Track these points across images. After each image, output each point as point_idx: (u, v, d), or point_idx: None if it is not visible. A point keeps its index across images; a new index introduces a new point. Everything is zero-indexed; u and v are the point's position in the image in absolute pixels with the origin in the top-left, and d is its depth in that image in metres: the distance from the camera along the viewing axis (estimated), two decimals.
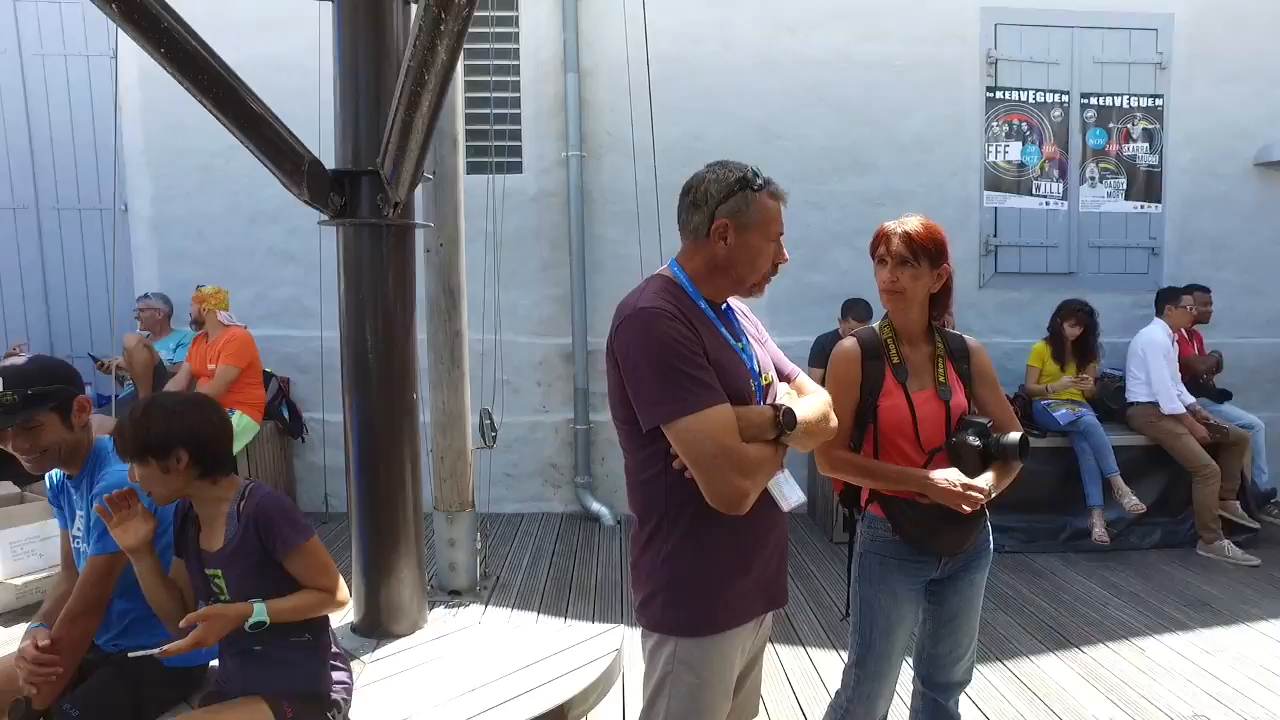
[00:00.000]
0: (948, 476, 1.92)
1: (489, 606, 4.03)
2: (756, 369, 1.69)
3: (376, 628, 2.65)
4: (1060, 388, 4.98)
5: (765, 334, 1.82)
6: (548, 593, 4.25)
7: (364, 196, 2.38)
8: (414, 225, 2.51)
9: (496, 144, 5.05)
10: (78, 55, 5.46)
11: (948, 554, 2.02)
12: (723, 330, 1.65)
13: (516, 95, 5.37)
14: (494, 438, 4.08)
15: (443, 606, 3.77)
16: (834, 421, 1.76)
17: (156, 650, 1.77)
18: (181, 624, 1.76)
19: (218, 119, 2.09)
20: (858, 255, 5.38)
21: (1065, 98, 5.65)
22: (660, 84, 5.25)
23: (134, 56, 5.50)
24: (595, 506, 5.45)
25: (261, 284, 5.55)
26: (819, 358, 5.04)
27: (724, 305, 1.72)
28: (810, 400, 1.72)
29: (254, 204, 5.52)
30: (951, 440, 1.98)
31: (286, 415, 5.42)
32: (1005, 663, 3.39)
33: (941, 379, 2.03)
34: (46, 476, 2.29)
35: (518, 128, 5.39)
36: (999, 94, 5.60)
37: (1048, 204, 5.70)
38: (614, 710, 3.04)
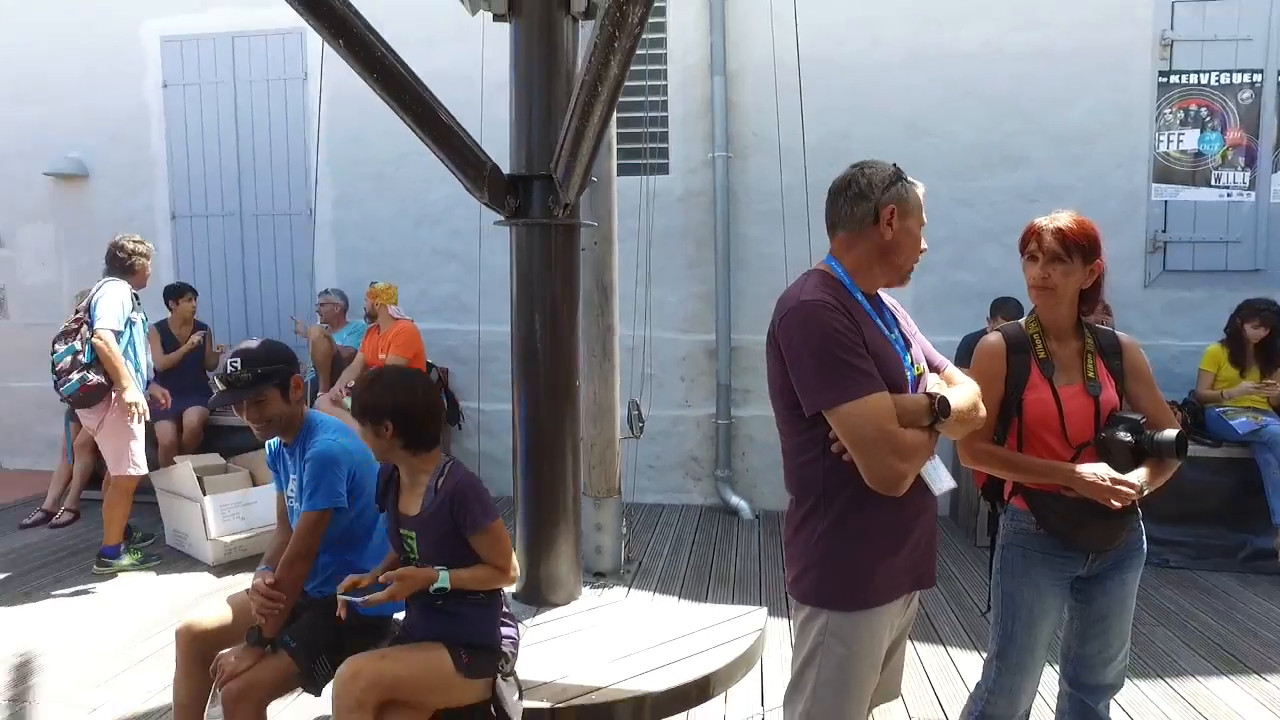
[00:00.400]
0: (1096, 470, 1.91)
1: (632, 589, 4.22)
2: (909, 360, 1.77)
3: (536, 596, 2.87)
4: (1239, 393, 4.62)
5: (914, 326, 1.89)
6: (688, 579, 4.40)
7: (535, 199, 2.60)
8: (580, 225, 2.71)
9: (641, 146, 5.25)
10: (277, 79, 6.12)
11: (1095, 550, 2.00)
12: (878, 321, 1.74)
13: (664, 99, 5.56)
14: (641, 428, 4.28)
15: (588, 587, 3.99)
16: (983, 411, 1.82)
17: (360, 600, 2.04)
18: (380, 579, 2.02)
19: (415, 132, 2.36)
20: (1008, 253, 5.20)
21: (1258, 77, 5.19)
22: (806, 84, 5.28)
23: (322, 79, 6.12)
24: (734, 500, 5.56)
25: (425, 281, 6.02)
26: (966, 358, 4.93)
27: (877, 298, 1.80)
28: (961, 390, 1.79)
29: (420, 208, 6.01)
30: (1101, 435, 1.97)
31: (445, 404, 5.85)
32: (1167, 680, 3.23)
33: (1091, 374, 2.02)
34: (266, 444, 2.65)
35: (664, 130, 5.58)
36: (1174, 78, 5.25)
37: (1230, 195, 5.28)
38: (753, 689, 3.15)
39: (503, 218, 2.66)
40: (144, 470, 4.50)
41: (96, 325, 4.23)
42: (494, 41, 4.06)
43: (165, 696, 3.06)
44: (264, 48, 6.11)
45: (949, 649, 3.52)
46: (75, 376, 4.20)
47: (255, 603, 2.31)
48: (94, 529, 5.19)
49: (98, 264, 6.65)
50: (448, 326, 5.92)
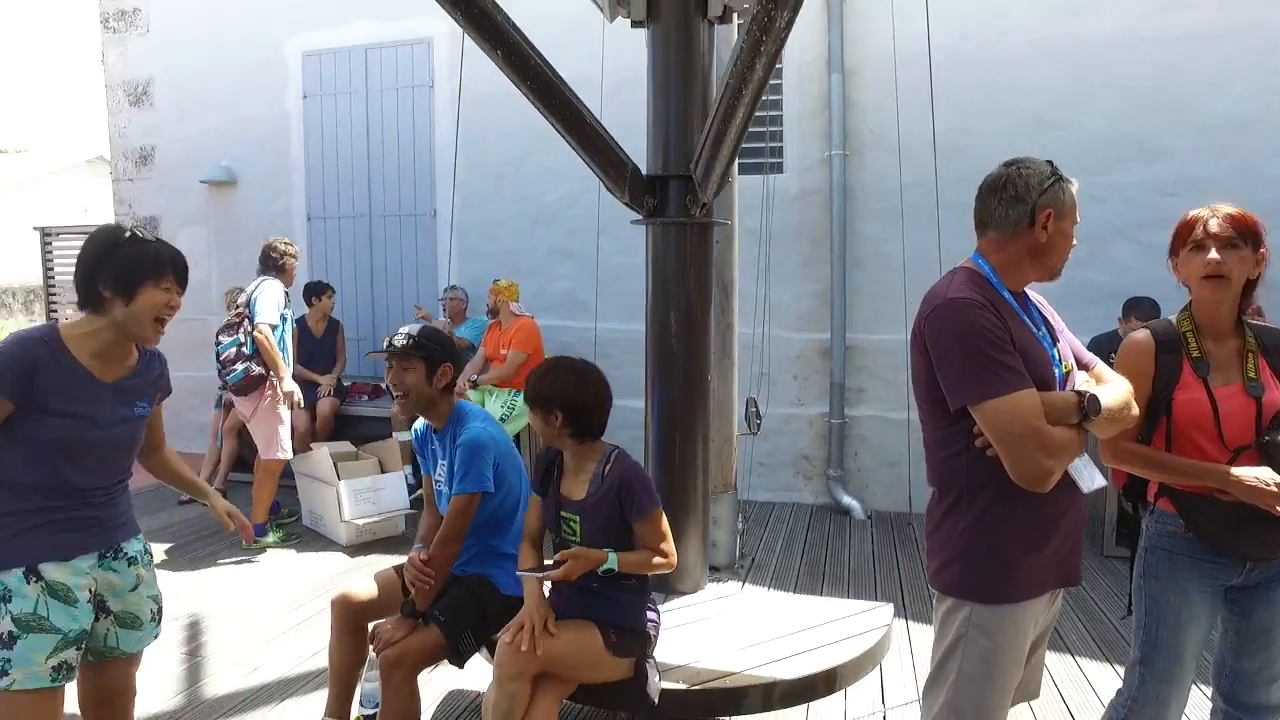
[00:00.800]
0: (1258, 474, 1.83)
1: (746, 584, 4.26)
2: (1057, 357, 1.76)
3: (664, 584, 2.96)
4: None
5: (1062, 324, 1.87)
6: (802, 576, 4.41)
7: (672, 198, 2.69)
8: (714, 223, 2.78)
9: (761, 145, 5.28)
10: (405, 88, 6.45)
11: (1255, 558, 1.91)
12: (1025, 319, 1.75)
13: (779, 98, 5.57)
14: (759, 425, 4.31)
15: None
16: (1135, 410, 1.79)
17: (538, 575, 2.17)
18: (556, 558, 2.14)
19: (562, 134, 2.49)
20: (1141, 250, 5.00)
21: None
22: (924, 81, 5.18)
23: (447, 86, 6.41)
24: (846, 500, 5.52)
25: (542, 279, 6.21)
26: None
27: (1024, 295, 1.80)
28: (1112, 388, 1.77)
29: (537, 208, 6.21)
30: (1264, 439, 1.88)
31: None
32: None
33: (1252, 374, 1.93)
34: (413, 430, 2.83)
35: (779, 129, 5.59)
36: None
37: None
38: (872, 687, 3.13)
39: (640, 217, 2.76)
40: (290, 455, 4.85)
41: (257, 320, 4.60)
42: (612, 47, 4.20)
43: (315, 661, 3.33)
44: (394, 58, 6.45)
45: (1078, 658, 3.41)
46: (240, 367, 4.59)
47: (409, 575, 2.49)
48: (240, 507, 5.60)
49: (243, 263, 7.18)
50: (563, 323, 6.09)
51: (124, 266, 1.83)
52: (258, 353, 4.60)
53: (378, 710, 2.49)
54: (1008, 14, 5.21)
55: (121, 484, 1.99)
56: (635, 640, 2.25)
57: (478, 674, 2.99)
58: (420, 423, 2.78)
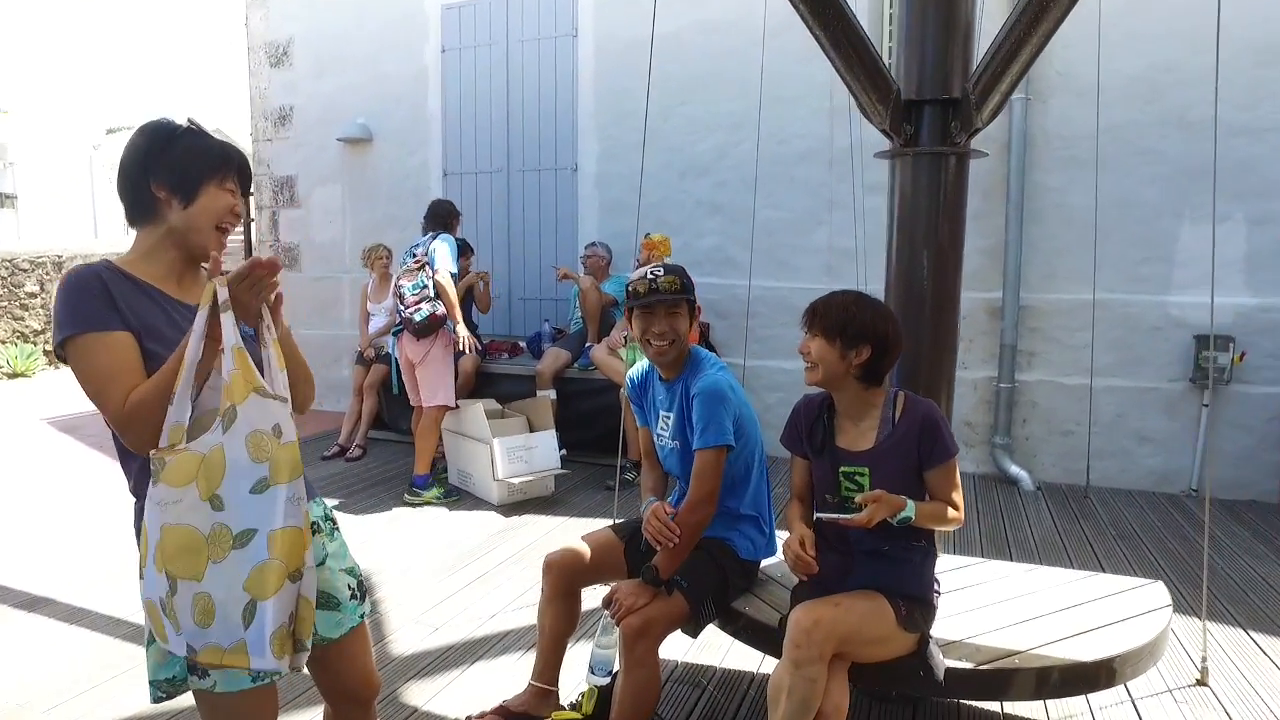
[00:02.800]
0: None
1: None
2: None
3: None
4: None
5: None
6: (985, 548, 4.13)
7: (925, 127, 2.43)
8: (972, 153, 2.51)
9: None
10: (548, 38, 6.27)
11: None
12: None
13: None
14: None
15: None
16: None
17: (838, 518, 1.92)
18: (858, 499, 1.91)
19: (826, 51, 2.24)
20: None
21: None
22: (1125, 13, 4.71)
23: (591, 35, 6.20)
24: (1014, 470, 5.18)
25: (688, 234, 5.99)
26: None
27: None
28: None
29: (685, 160, 5.97)
30: None
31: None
32: None
33: None
34: (628, 378, 2.63)
35: None
36: None
37: None
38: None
39: (889, 148, 2.50)
40: (453, 403, 4.88)
41: (437, 267, 4.76)
42: None
43: (493, 625, 3.26)
44: (536, 7, 6.28)
45: None
46: (426, 308, 4.73)
47: (651, 529, 2.27)
48: (381, 465, 5.68)
49: (378, 220, 7.20)
50: (709, 280, 5.86)
51: (183, 160, 1.48)
52: (439, 295, 4.76)
53: (610, 678, 2.32)
54: None
55: None
56: (923, 612, 2.03)
57: (681, 644, 2.86)
58: (636, 371, 2.58)
